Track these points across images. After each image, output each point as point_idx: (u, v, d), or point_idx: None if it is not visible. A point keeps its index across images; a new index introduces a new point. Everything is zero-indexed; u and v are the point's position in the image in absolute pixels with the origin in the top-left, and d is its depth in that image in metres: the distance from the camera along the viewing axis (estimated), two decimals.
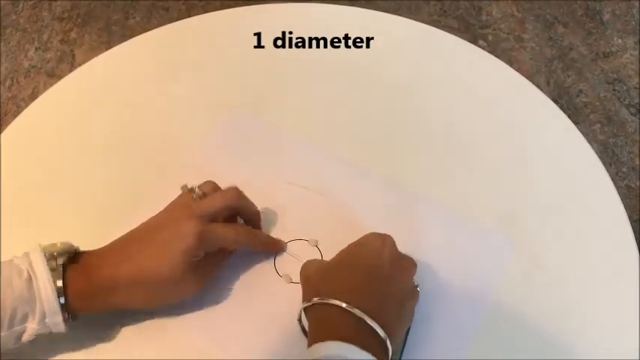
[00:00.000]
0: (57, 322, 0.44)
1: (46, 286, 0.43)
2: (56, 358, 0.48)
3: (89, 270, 0.45)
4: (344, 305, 0.41)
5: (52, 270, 0.44)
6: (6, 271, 0.43)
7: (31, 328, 0.43)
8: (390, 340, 0.41)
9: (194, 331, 0.49)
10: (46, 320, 0.43)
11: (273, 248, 0.54)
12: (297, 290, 0.51)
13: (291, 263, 0.53)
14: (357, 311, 0.41)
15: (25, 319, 0.43)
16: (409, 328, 0.48)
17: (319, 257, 0.53)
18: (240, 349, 0.48)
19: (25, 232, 0.54)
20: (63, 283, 0.43)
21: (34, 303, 0.43)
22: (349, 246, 0.48)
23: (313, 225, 0.55)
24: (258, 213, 0.53)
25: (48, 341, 0.47)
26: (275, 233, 0.55)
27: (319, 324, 0.43)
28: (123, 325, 0.50)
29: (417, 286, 0.48)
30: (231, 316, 0.50)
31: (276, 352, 0.48)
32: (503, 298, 0.51)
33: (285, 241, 0.54)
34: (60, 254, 0.44)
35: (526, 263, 0.53)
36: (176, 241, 0.46)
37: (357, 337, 0.40)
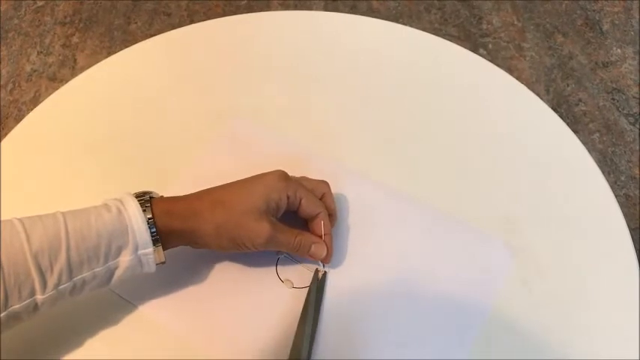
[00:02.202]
0: (148, 253, 0.45)
1: (136, 216, 0.45)
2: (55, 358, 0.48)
3: (175, 198, 0.49)
4: None
5: (141, 204, 0.46)
6: (94, 210, 0.45)
7: (125, 261, 0.44)
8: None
9: (195, 335, 0.50)
10: (139, 252, 0.45)
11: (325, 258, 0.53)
12: (299, 295, 0.51)
13: (292, 269, 0.53)
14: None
15: (118, 252, 0.44)
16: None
17: (321, 264, 0.53)
18: (241, 354, 0.48)
19: None
20: (150, 208, 0.46)
21: (126, 234, 0.44)
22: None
23: None
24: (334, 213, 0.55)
25: (46, 341, 0.47)
26: None
27: None
28: (124, 327, 0.50)
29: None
30: (233, 321, 0.50)
31: (277, 357, 0.48)
32: (502, 305, 0.51)
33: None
34: (146, 192, 0.48)
35: (526, 270, 0.53)
36: (263, 185, 0.49)
37: None
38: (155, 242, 0.45)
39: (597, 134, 1.43)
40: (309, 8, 1.66)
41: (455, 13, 1.66)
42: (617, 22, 1.65)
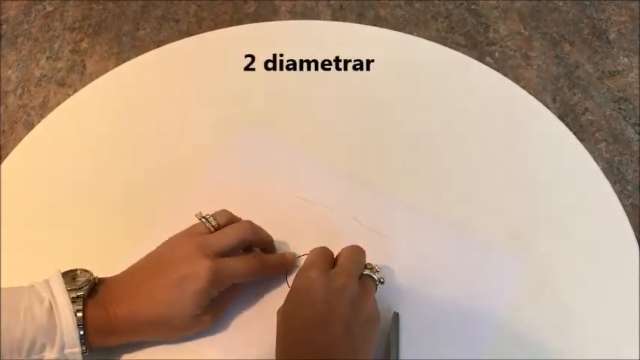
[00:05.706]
0: (75, 352, 0.44)
1: (67, 317, 0.43)
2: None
3: (107, 306, 0.46)
4: None
5: (73, 302, 0.44)
6: (26, 297, 0.43)
7: (49, 358, 0.43)
8: None
9: (205, 347, 0.50)
10: (65, 351, 0.43)
11: (285, 268, 0.53)
12: None
13: None
14: None
15: (42, 349, 0.43)
16: (397, 327, 0.49)
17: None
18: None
19: (34, 252, 0.56)
20: (83, 316, 0.44)
21: (54, 333, 0.43)
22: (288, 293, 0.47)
23: (323, 239, 0.55)
24: (271, 241, 0.54)
25: None
26: (285, 247, 0.55)
27: None
28: None
29: (376, 279, 0.48)
30: (242, 331, 0.51)
31: None
32: (511, 315, 0.51)
33: (297, 256, 0.54)
34: (80, 286, 0.45)
35: (535, 281, 0.53)
36: (191, 281, 0.46)
37: None
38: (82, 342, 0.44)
39: (604, 143, 1.43)
40: (317, 16, 1.66)
41: (462, 21, 1.66)
42: (623, 31, 1.65)
